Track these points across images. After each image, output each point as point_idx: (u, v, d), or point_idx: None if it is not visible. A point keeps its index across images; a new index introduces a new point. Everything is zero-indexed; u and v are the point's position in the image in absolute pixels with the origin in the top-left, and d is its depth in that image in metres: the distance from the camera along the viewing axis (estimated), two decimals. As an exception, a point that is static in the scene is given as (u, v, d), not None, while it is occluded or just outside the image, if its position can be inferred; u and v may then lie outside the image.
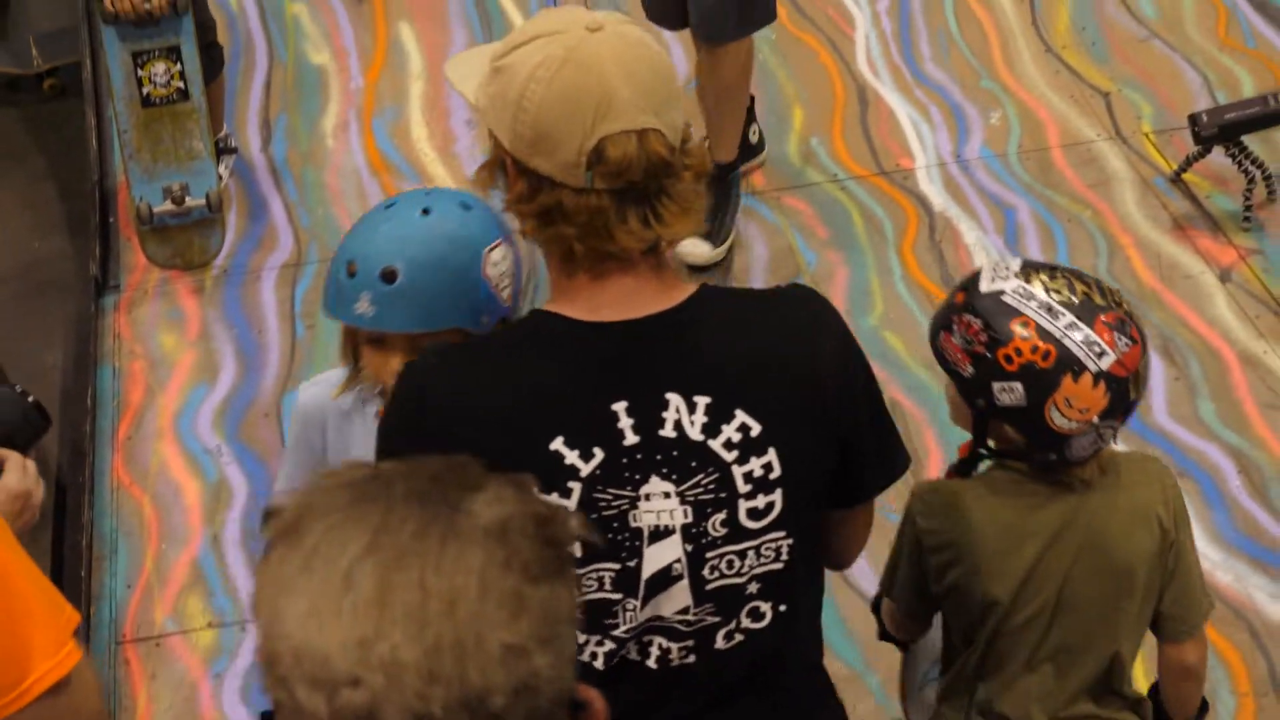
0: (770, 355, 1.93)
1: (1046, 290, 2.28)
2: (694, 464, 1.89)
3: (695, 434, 1.89)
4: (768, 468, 1.92)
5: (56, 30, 5.30)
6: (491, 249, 2.31)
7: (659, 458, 1.89)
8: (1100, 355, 2.24)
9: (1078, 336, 2.24)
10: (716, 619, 1.97)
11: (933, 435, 3.75)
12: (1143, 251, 4.26)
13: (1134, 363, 2.26)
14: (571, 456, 1.87)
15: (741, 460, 1.91)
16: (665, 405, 1.89)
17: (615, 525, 1.89)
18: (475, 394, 1.89)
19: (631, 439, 1.88)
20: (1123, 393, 2.26)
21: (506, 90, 1.86)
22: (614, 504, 1.89)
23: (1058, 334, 2.24)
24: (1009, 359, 2.26)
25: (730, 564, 1.95)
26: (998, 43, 4.92)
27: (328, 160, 4.64)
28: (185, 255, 4.36)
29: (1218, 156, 4.31)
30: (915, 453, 3.45)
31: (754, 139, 4.45)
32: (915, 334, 3.91)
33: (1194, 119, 4.24)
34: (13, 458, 2.26)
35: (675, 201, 1.88)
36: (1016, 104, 4.70)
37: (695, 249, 4.17)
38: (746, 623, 1.99)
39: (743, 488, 1.91)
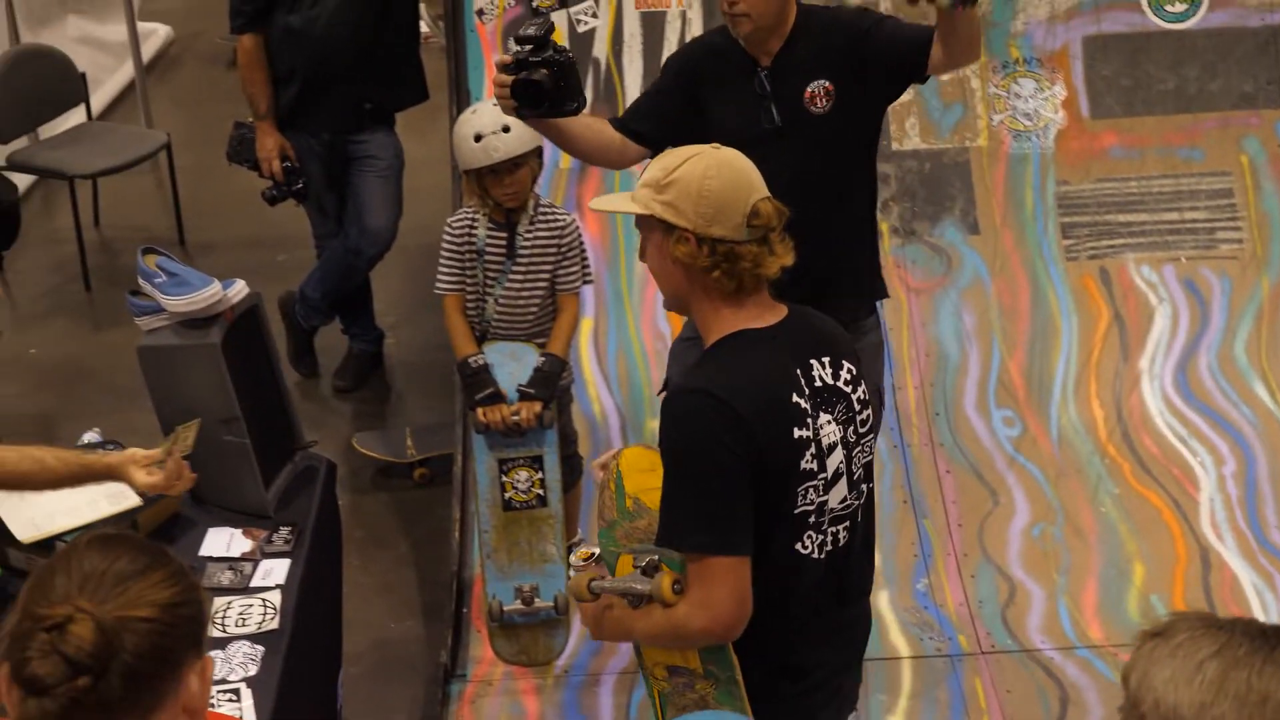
0: (840, 330, 3.14)
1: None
2: (836, 399, 2.98)
3: (831, 380, 2.98)
4: (864, 394, 3.05)
5: (432, 424, 5.78)
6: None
7: (821, 398, 2.96)
8: None
9: None
10: (856, 501, 3.03)
11: None
12: None
13: None
14: (804, 404, 2.92)
15: (853, 390, 3.02)
16: (813, 367, 2.97)
17: (819, 448, 2.93)
18: (748, 386, 2.88)
19: (811, 390, 2.94)
20: None
21: (687, 189, 2.92)
22: (819, 434, 2.93)
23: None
24: None
25: (857, 460, 3.02)
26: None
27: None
28: (530, 653, 4.62)
29: None
30: None
31: None
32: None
33: None
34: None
35: (781, 239, 2.98)
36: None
37: None
38: (860, 501, 3.05)
39: (857, 409, 3.03)
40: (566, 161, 5.66)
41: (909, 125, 5.76)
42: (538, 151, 4.58)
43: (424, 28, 6.88)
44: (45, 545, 3.69)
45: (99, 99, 8.31)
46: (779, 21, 4.16)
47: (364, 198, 5.89)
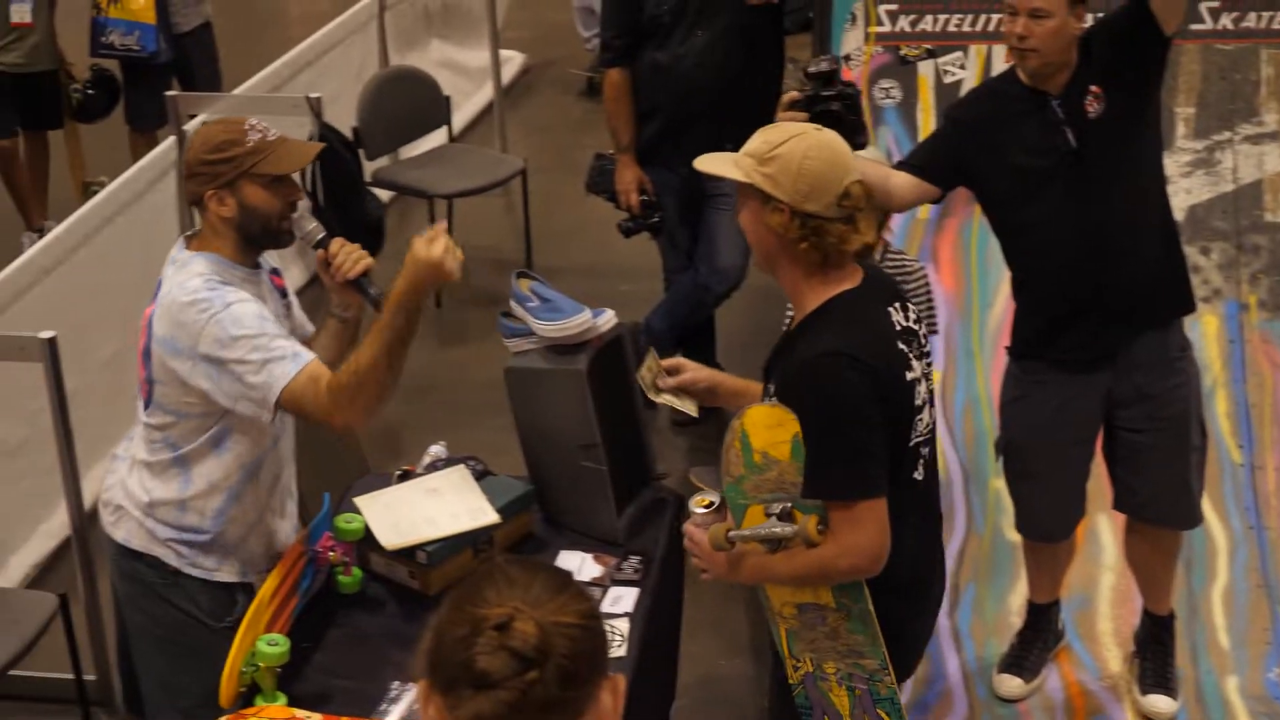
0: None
1: None
2: (912, 338, 3.32)
3: (905, 322, 3.32)
4: (923, 334, 3.42)
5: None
6: None
7: (907, 340, 3.31)
8: None
9: None
10: (931, 422, 3.38)
11: None
12: None
13: None
14: (904, 349, 3.28)
15: (918, 326, 3.37)
16: (895, 312, 3.32)
17: (918, 385, 3.30)
18: (872, 341, 3.24)
19: (903, 334, 3.30)
20: None
21: (788, 165, 3.20)
22: (917, 372, 3.30)
23: None
24: None
25: (928, 389, 3.36)
26: None
27: (1007, 638, 4.82)
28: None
29: None
30: None
31: None
32: None
33: None
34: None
35: (866, 219, 3.25)
36: None
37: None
38: (933, 421, 3.40)
39: (922, 342, 3.36)
40: (925, 212, 5.66)
41: (1283, 196, 5.60)
42: None
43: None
44: (406, 553, 3.82)
45: (457, 121, 8.60)
46: (1066, 57, 4.15)
47: (716, 235, 5.98)
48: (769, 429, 3.27)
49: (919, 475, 3.36)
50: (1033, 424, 4.45)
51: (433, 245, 3.46)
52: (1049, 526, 4.61)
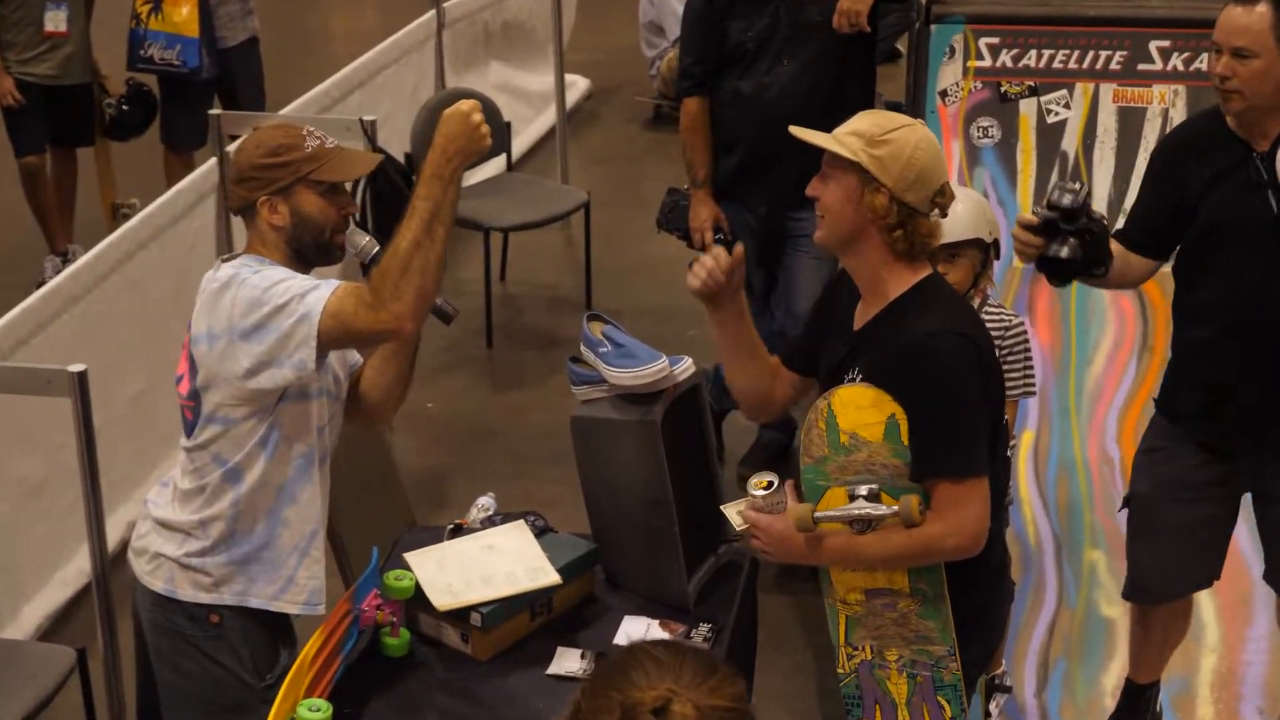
0: None
1: None
2: None
3: None
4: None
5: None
6: None
7: None
8: None
9: None
10: None
11: None
12: None
13: None
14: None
15: None
16: None
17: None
18: (976, 321, 3.63)
19: None
20: None
21: (899, 153, 3.41)
22: None
23: None
24: None
25: None
26: None
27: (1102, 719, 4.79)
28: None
29: None
30: None
31: None
32: None
33: None
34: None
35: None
36: None
37: None
38: None
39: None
40: (1019, 259, 5.64)
41: None
42: (978, 243, 4.51)
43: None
44: (459, 615, 3.83)
45: (516, 149, 8.65)
46: (1275, 101, 4.06)
47: (795, 279, 5.98)
48: (859, 409, 3.45)
49: (1009, 454, 3.69)
50: (1168, 478, 4.40)
51: (463, 104, 3.48)
52: (1166, 584, 4.54)
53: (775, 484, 3.59)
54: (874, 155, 3.44)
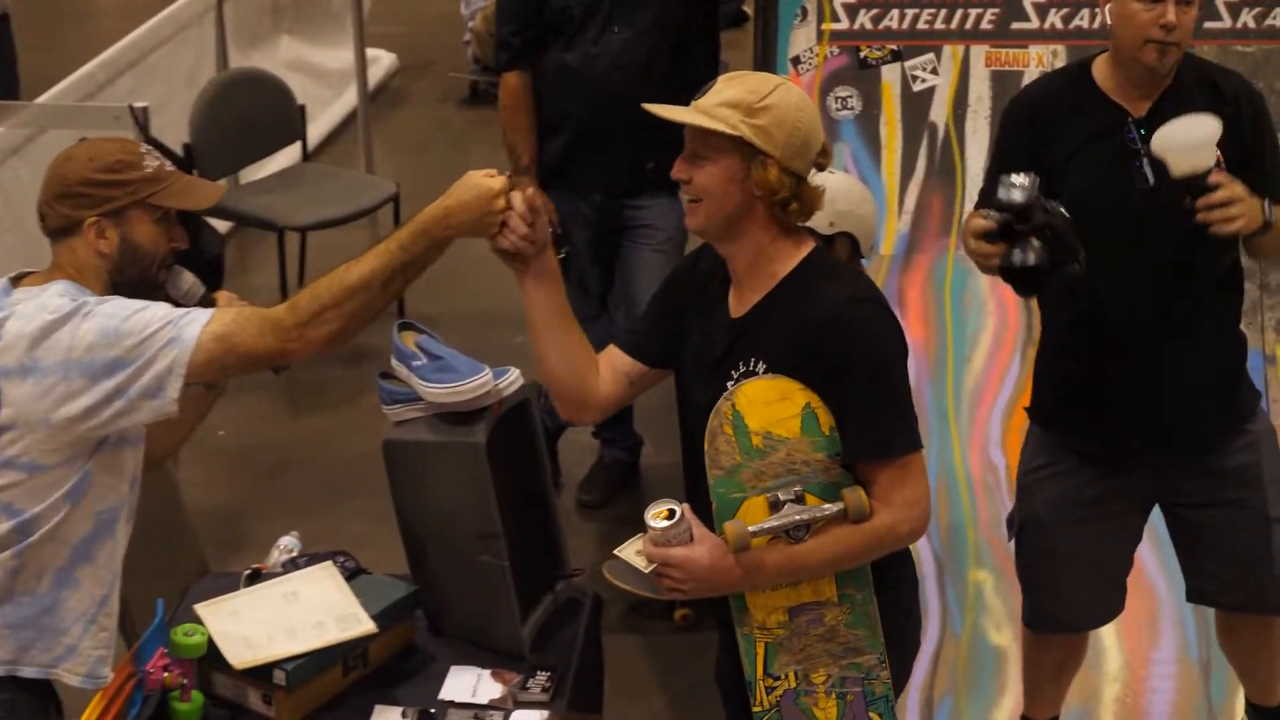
0: None
1: None
2: None
3: None
4: None
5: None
6: None
7: None
8: None
9: None
10: None
11: None
12: None
13: None
14: None
15: None
16: None
17: None
18: (883, 296, 3.57)
19: None
20: None
21: (782, 118, 3.38)
22: None
23: None
24: None
25: None
26: None
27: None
28: None
29: None
30: None
31: None
32: None
33: None
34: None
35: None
36: None
37: None
38: None
39: None
40: (889, 247, 5.67)
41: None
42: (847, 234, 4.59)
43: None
44: (260, 673, 3.75)
45: (312, 135, 8.58)
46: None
47: (636, 275, 5.95)
48: (769, 405, 3.42)
49: None
50: (1061, 496, 4.39)
51: (493, 182, 3.51)
52: (1074, 613, 4.54)
53: (677, 512, 3.48)
54: (756, 125, 3.39)
